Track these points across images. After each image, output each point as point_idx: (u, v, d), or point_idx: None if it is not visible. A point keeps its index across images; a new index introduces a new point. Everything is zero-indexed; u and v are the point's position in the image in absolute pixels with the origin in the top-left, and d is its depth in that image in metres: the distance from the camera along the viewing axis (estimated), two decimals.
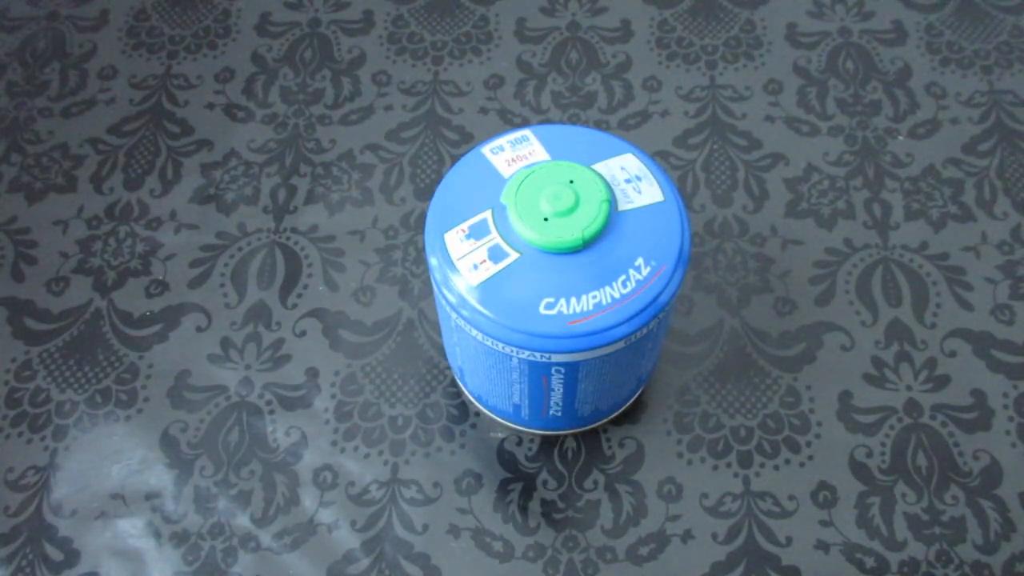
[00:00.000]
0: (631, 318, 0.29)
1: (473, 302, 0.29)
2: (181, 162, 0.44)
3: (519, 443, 0.36)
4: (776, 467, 0.36)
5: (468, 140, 0.44)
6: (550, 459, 0.36)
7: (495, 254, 0.29)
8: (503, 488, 0.35)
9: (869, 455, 0.36)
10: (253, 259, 0.41)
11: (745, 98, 0.45)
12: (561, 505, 0.35)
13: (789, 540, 0.34)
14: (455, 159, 0.43)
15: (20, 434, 0.37)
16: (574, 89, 0.46)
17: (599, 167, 0.31)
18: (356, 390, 0.38)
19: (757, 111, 0.45)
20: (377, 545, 0.34)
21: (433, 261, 0.30)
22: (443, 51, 0.47)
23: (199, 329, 0.39)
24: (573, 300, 0.28)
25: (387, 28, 0.48)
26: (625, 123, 0.44)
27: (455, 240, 0.30)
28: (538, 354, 0.29)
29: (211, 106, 0.46)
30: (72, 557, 0.34)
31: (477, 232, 0.30)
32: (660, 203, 0.30)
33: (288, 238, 0.41)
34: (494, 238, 0.30)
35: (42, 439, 0.37)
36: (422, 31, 0.48)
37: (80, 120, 0.45)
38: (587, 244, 0.29)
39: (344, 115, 0.45)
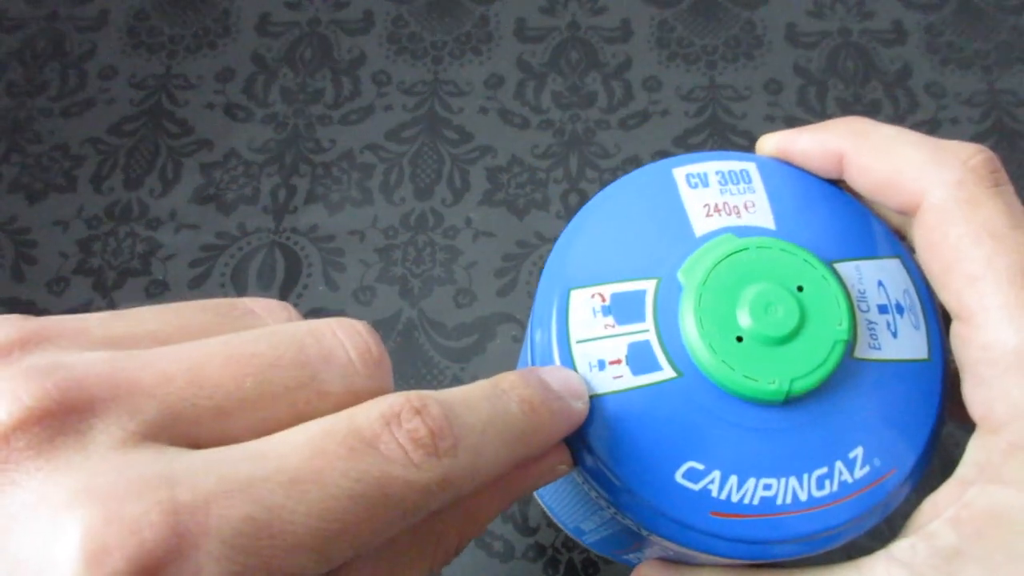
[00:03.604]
0: (807, 538, 0.18)
1: None
2: (181, 162, 0.44)
3: None
4: None
5: (468, 140, 0.44)
6: None
7: (639, 358, 0.19)
8: None
9: None
10: (253, 259, 0.41)
11: (745, 98, 0.45)
12: None
13: None
14: (455, 159, 0.43)
15: None
16: (574, 89, 0.46)
17: (846, 268, 0.20)
18: None
19: (757, 111, 0.45)
20: None
21: (538, 335, 0.20)
22: (443, 51, 0.47)
23: None
24: (733, 480, 0.18)
25: (387, 28, 0.48)
26: (625, 123, 0.44)
27: (584, 309, 0.20)
28: (644, 531, 0.19)
29: (211, 106, 0.46)
30: None
31: (622, 309, 0.20)
32: (920, 364, 0.19)
33: (288, 238, 0.41)
34: (646, 330, 0.19)
35: None
36: (422, 31, 0.48)
37: (80, 120, 0.45)
38: (790, 401, 0.19)
39: (344, 115, 0.45)
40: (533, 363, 0.20)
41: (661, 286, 0.19)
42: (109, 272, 0.41)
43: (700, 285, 0.19)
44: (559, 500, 0.25)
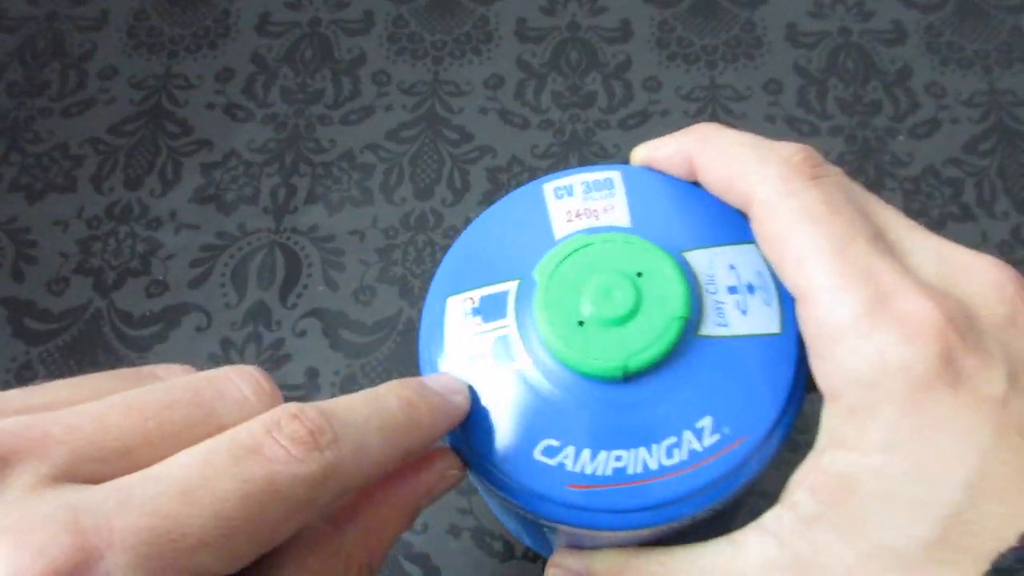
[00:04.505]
0: (663, 505, 0.19)
1: None
2: (181, 162, 0.44)
3: None
4: None
5: (468, 140, 0.44)
6: None
7: (501, 351, 0.21)
8: None
9: None
10: (253, 259, 0.41)
11: (745, 98, 0.45)
12: None
13: None
14: (455, 159, 0.43)
15: None
16: (574, 89, 0.46)
17: (696, 256, 0.21)
18: (356, 390, 0.38)
19: (757, 111, 0.45)
20: None
21: (422, 339, 0.22)
22: (443, 51, 0.47)
23: (199, 329, 0.39)
24: (586, 454, 0.19)
25: (387, 28, 0.48)
26: (625, 123, 0.44)
27: (458, 313, 0.22)
28: (521, 509, 0.21)
29: (211, 106, 0.46)
30: None
31: (489, 309, 0.21)
32: (771, 337, 0.20)
33: (288, 238, 0.41)
34: (507, 326, 0.21)
35: None
36: (422, 31, 0.48)
37: (80, 120, 0.45)
38: (630, 378, 0.20)
39: (344, 115, 0.45)
40: (420, 366, 0.22)
41: (521, 285, 0.21)
42: (109, 272, 0.41)
43: (548, 279, 0.20)
44: (497, 509, 0.26)
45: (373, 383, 0.38)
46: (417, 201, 0.42)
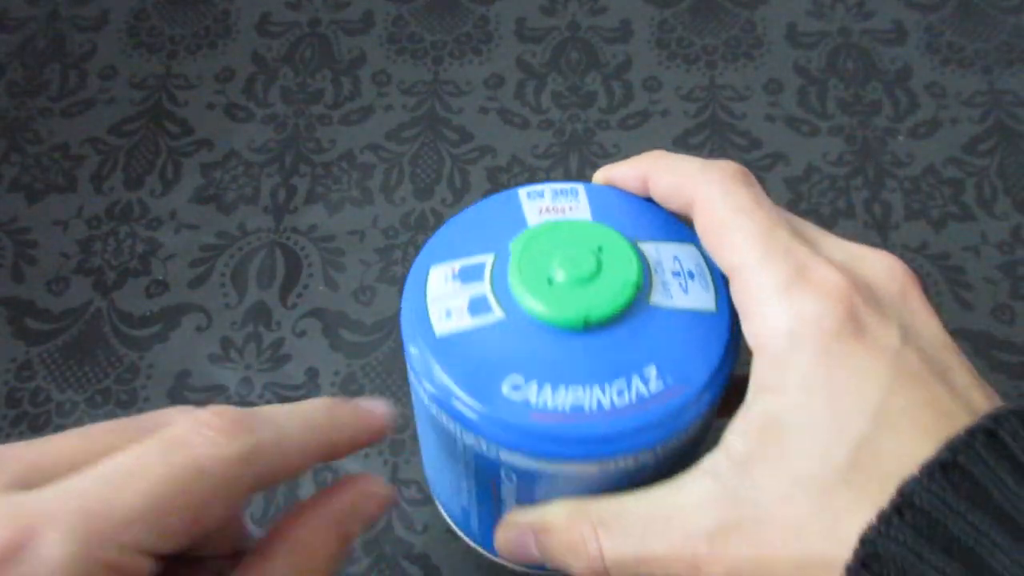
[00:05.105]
0: (613, 439, 0.22)
1: (428, 352, 0.23)
2: (181, 162, 0.44)
3: None
4: None
5: (468, 140, 0.44)
6: None
7: (476, 306, 0.24)
8: None
9: None
10: (253, 259, 0.41)
11: (745, 98, 0.45)
12: None
13: None
14: (455, 159, 0.43)
15: (20, 434, 0.37)
16: (574, 89, 0.46)
17: (646, 246, 0.25)
18: (356, 390, 0.38)
19: (757, 111, 0.45)
20: (377, 546, 0.34)
21: (404, 298, 0.25)
22: (443, 51, 0.47)
23: (199, 329, 0.39)
24: (547, 389, 0.22)
25: (387, 28, 0.48)
26: (625, 123, 0.44)
27: (440, 278, 0.25)
28: (484, 443, 0.23)
29: (211, 106, 0.46)
30: None
31: (468, 275, 0.25)
32: (708, 314, 0.24)
33: (288, 238, 0.41)
34: (483, 287, 0.24)
35: None
36: (422, 31, 0.48)
37: (80, 120, 0.45)
38: (589, 328, 0.23)
39: (344, 115, 0.45)
40: (402, 328, 0.25)
41: (498, 258, 0.25)
42: (109, 272, 0.41)
43: (522, 248, 0.24)
44: (440, 478, 0.28)
45: (373, 383, 0.38)
46: (417, 201, 0.42)
